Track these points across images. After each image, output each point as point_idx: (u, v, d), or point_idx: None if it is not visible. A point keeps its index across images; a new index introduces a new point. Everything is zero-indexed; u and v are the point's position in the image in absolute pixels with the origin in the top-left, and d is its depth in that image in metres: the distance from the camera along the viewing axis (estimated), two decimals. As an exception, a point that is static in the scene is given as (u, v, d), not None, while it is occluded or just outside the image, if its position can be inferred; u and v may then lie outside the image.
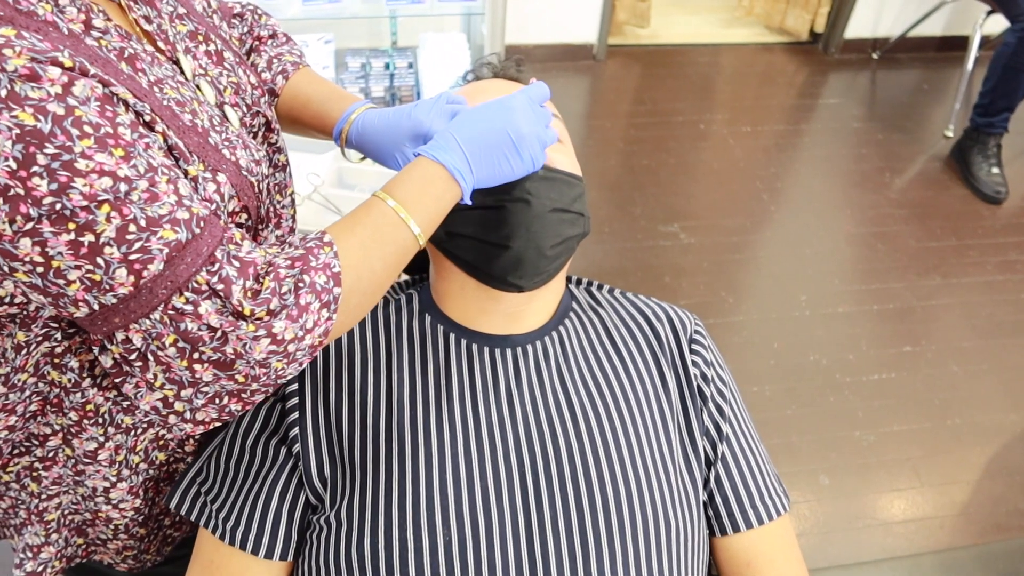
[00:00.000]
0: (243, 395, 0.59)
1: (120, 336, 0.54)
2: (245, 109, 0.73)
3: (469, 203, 0.67)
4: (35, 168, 0.46)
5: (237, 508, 0.70)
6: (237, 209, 0.65)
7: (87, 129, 0.48)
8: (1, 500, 0.72)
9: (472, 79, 0.88)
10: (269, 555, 0.69)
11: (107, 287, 0.51)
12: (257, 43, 0.84)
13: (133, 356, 0.55)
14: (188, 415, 0.59)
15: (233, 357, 0.55)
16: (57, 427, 0.67)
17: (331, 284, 0.58)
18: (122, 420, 0.68)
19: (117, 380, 0.58)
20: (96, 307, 0.52)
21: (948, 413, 1.94)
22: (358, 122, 0.76)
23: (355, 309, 0.61)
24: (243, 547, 0.69)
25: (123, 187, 0.50)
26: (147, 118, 0.55)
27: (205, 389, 0.57)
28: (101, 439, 0.68)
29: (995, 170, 2.65)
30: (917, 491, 1.77)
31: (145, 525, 0.79)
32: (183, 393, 0.57)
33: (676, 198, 2.54)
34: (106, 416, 0.67)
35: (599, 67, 3.20)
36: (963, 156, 2.71)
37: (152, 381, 0.56)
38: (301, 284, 0.56)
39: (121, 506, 0.74)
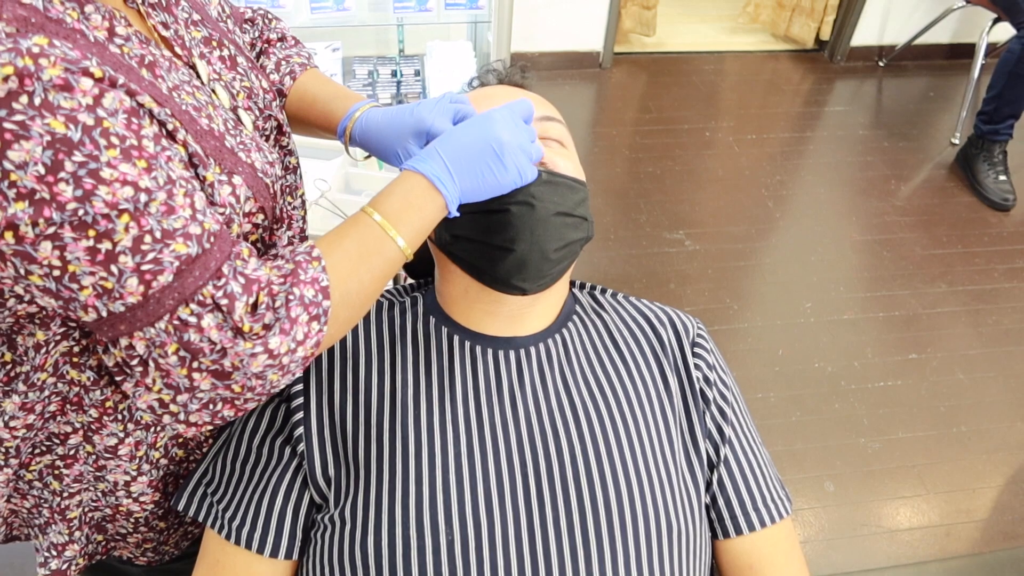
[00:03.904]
0: (237, 402, 0.61)
1: (124, 342, 0.55)
2: (258, 112, 0.74)
3: (457, 214, 0.67)
4: (62, 174, 0.48)
5: (243, 507, 0.71)
6: (254, 210, 0.66)
7: (114, 140, 0.50)
8: (24, 500, 0.74)
9: (477, 85, 0.89)
10: (274, 554, 0.70)
11: (117, 295, 0.52)
12: (266, 46, 0.86)
13: (135, 362, 0.56)
14: (182, 416, 0.60)
15: (231, 369, 0.57)
16: (77, 424, 0.68)
17: (320, 297, 0.59)
18: (141, 416, 0.69)
19: (118, 379, 0.59)
20: (104, 314, 0.53)
21: (954, 421, 1.94)
22: (362, 120, 0.77)
23: (344, 321, 0.63)
24: (248, 546, 0.69)
25: (143, 197, 0.51)
26: (170, 126, 0.57)
27: (201, 395, 0.58)
28: (121, 435, 0.70)
29: (1002, 177, 2.64)
30: (922, 499, 1.76)
31: (165, 519, 0.80)
32: (179, 398, 0.58)
33: (681, 205, 2.55)
34: (125, 413, 0.69)
35: (605, 75, 3.22)
36: (968, 164, 2.71)
37: (151, 385, 0.57)
38: (291, 297, 0.58)
39: (141, 499, 0.75)
